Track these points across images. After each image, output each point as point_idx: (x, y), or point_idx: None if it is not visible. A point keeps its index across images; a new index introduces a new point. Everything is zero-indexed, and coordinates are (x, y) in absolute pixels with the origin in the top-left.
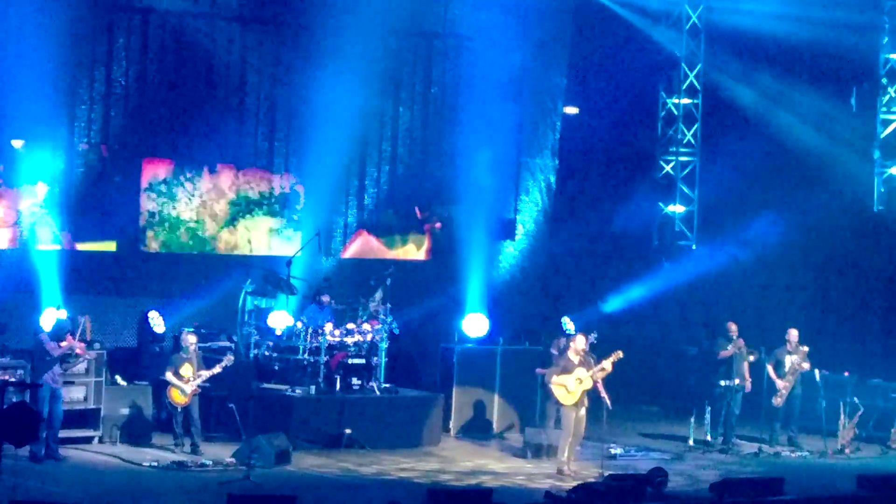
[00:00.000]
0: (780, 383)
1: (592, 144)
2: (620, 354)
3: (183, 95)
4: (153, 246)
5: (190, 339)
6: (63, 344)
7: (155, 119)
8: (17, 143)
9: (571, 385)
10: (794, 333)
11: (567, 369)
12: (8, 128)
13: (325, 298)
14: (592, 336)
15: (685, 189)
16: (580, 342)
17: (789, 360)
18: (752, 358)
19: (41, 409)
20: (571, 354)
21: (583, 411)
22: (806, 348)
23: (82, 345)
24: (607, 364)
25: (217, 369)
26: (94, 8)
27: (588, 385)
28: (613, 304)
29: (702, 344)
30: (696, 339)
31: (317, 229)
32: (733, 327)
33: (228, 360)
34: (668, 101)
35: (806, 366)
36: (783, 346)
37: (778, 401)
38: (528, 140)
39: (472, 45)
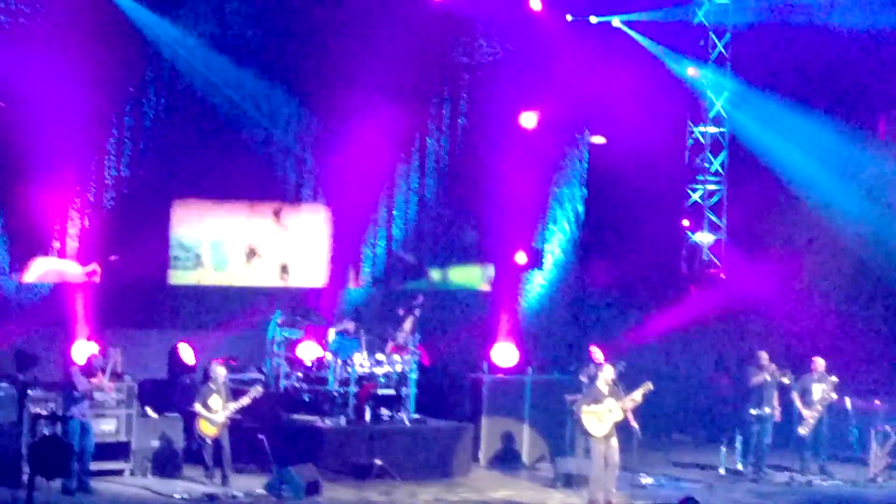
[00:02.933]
0: (806, 413)
1: (620, 174)
2: (650, 386)
3: (209, 129)
4: (183, 278)
5: (219, 371)
6: (93, 381)
7: (183, 152)
8: None
9: (602, 416)
10: (820, 362)
11: (597, 400)
12: (38, 161)
13: (350, 327)
14: (621, 365)
15: (713, 217)
16: (609, 372)
17: (818, 390)
18: (785, 380)
19: (72, 441)
20: (601, 385)
21: (614, 440)
22: (835, 378)
23: (111, 385)
24: (637, 395)
25: (246, 400)
26: (124, 43)
27: (618, 416)
28: (642, 333)
29: (731, 372)
30: (725, 368)
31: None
32: (764, 355)
33: (257, 391)
34: (694, 129)
35: (834, 396)
36: (809, 375)
37: (804, 431)
38: (556, 170)
39: (498, 75)
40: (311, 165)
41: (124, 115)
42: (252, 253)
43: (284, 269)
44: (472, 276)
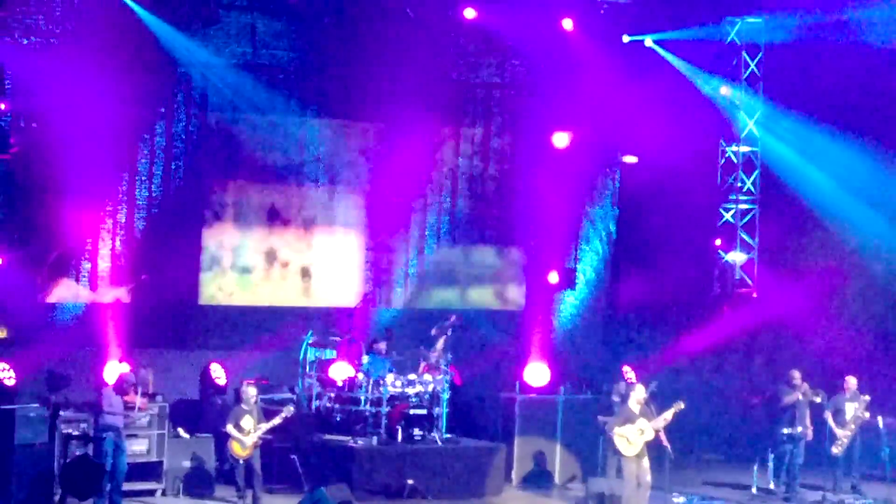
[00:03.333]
0: (839, 432)
1: (652, 193)
2: (682, 405)
3: (239, 150)
4: (214, 298)
5: (250, 392)
6: (127, 399)
7: (214, 173)
8: None
9: (633, 436)
10: (852, 381)
11: (629, 419)
12: (69, 181)
13: (381, 346)
14: (653, 385)
15: (745, 237)
16: (640, 392)
17: (850, 408)
18: (817, 399)
19: (105, 462)
20: (632, 404)
21: (645, 461)
22: (867, 397)
23: (145, 400)
24: (668, 415)
25: (277, 421)
26: (155, 63)
27: (650, 436)
28: (674, 352)
29: (764, 392)
30: (758, 387)
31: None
32: (797, 374)
33: (288, 411)
34: (727, 149)
35: (867, 415)
36: (842, 394)
37: (837, 450)
38: (588, 189)
39: (530, 95)
40: (342, 187)
41: (155, 136)
42: (272, 257)
43: (306, 272)
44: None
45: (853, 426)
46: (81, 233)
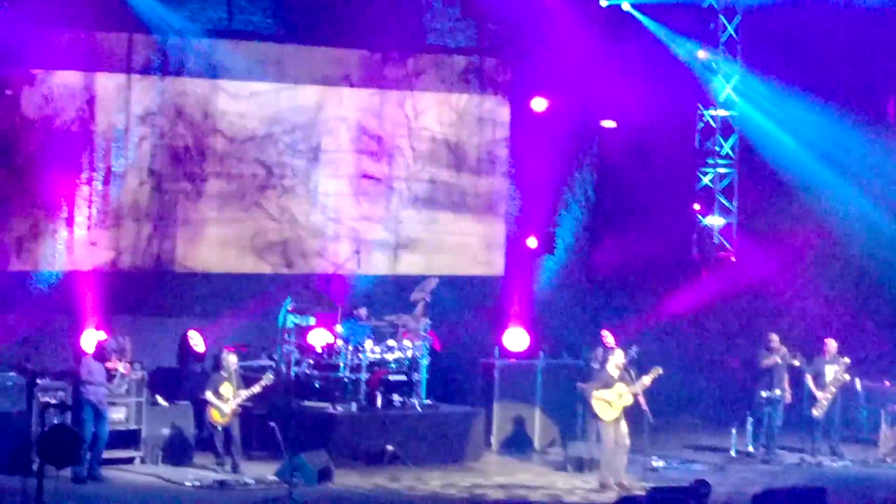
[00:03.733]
0: (819, 395)
1: (630, 158)
2: (660, 371)
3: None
4: (192, 265)
5: (230, 359)
6: (108, 365)
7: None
8: None
9: (612, 400)
10: (832, 344)
11: (608, 384)
12: (45, 148)
13: (362, 312)
14: (633, 350)
15: (724, 201)
16: (619, 357)
17: (830, 371)
18: (796, 362)
19: (85, 430)
20: (611, 369)
21: (623, 424)
22: (847, 359)
23: (128, 365)
24: (647, 380)
25: (256, 388)
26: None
27: (628, 401)
28: (653, 316)
29: (742, 355)
30: (736, 351)
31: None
32: (775, 338)
33: (268, 378)
34: (705, 113)
35: (847, 377)
36: (822, 357)
37: (818, 412)
38: (567, 155)
39: (508, 59)
40: (323, 154)
41: (130, 103)
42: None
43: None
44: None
45: (833, 389)
46: (57, 201)
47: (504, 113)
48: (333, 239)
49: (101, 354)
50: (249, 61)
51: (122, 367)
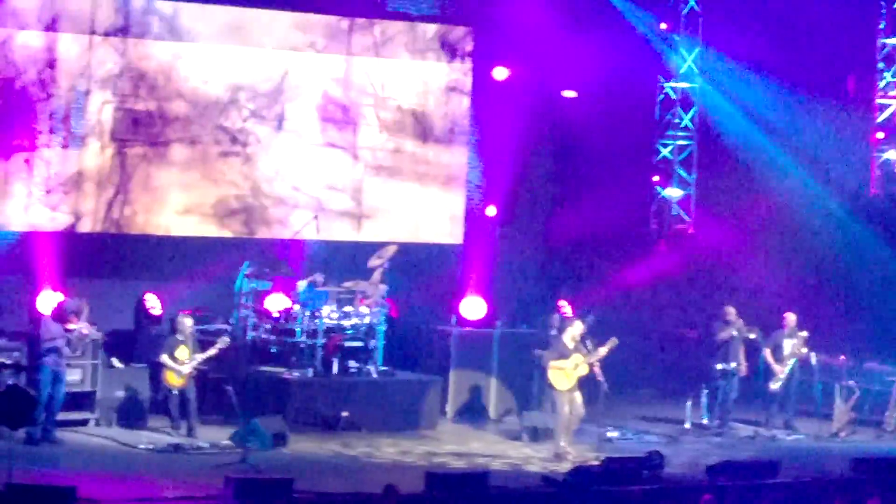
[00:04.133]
0: (777, 368)
1: (590, 128)
2: (616, 342)
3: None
4: (150, 228)
5: (186, 322)
6: (69, 326)
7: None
8: None
9: (568, 370)
10: (791, 318)
11: (563, 354)
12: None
13: (319, 278)
14: (590, 319)
15: (682, 173)
16: (577, 328)
17: (788, 345)
18: (752, 335)
19: (42, 391)
20: (567, 339)
21: (578, 394)
22: (805, 333)
23: (89, 327)
24: (603, 351)
25: (212, 352)
26: None
27: (584, 371)
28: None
29: (699, 327)
30: (693, 323)
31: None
32: (731, 310)
33: (224, 342)
34: (665, 85)
35: (805, 351)
36: (781, 331)
37: (775, 385)
38: (527, 124)
39: (469, 29)
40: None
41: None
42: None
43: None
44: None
45: (791, 362)
46: (17, 161)
47: (467, 82)
48: (294, 206)
49: (60, 315)
50: (214, 26)
51: (83, 326)
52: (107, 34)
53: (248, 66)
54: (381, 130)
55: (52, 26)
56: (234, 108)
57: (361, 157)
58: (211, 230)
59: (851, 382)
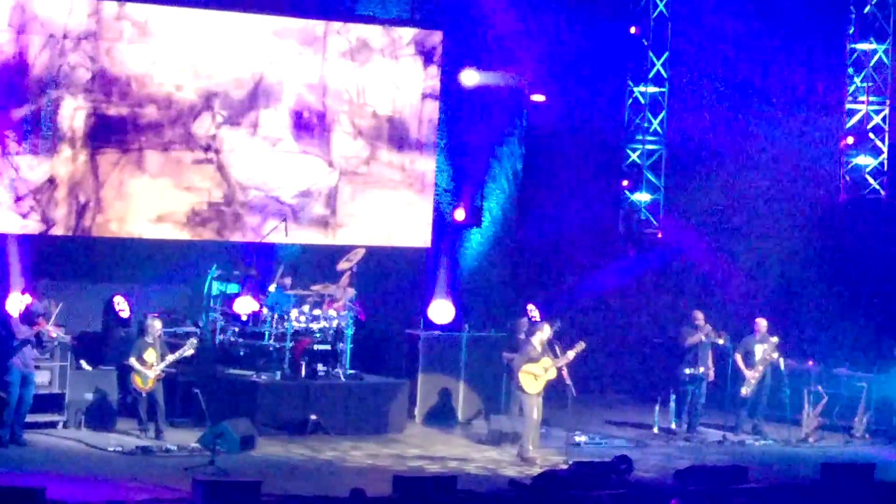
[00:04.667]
0: (749, 373)
1: (559, 132)
2: (583, 346)
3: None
4: (118, 230)
5: (154, 325)
6: (35, 327)
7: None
8: None
9: (539, 374)
10: (762, 323)
11: (533, 358)
12: None
13: (287, 281)
14: (556, 325)
15: (651, 177)
16: (546, 331)
17: (759, 350)
18: (720, 340)
19: (11, 393)
20: (536, 343)
21: (541, 398)
22: (775, 339)
23: (55, 328)
24: (570, 354)
25: (180, 354)
26: None
27: (552, 375)
28: (580, 291)
29: (667, 332)
30: (661, 327)
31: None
32: (699, 315)
33: (192, 344)
34: (634, 89)
35: (775, 356)
36: (752, 336)
37: (746, 390)
38: (496, 128)
39: (439, 32)
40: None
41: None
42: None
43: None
44: None
45: (762, 367)
46: None
47: (437, 86)
48: (267, 212)
49: (27, 317)
50: (186, 31)
51: (50, 328)
52: (79, 39)
53: (221, 72)
54: (356, 137)
55: (22, 30)
56: (208, 114)
57: (335, 163)
58: (183, 235)
59: (820, 388)
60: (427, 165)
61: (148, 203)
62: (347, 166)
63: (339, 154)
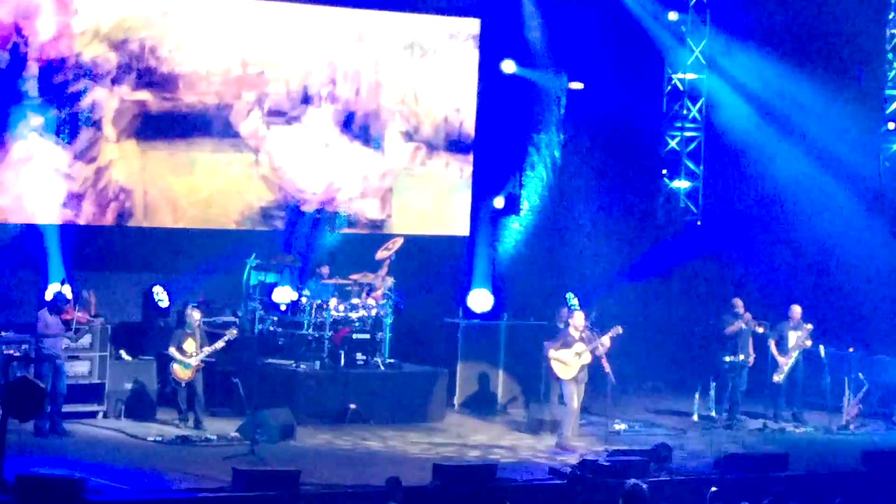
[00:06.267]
0: (781, 360)
1: (597, 120)
2: (619, 330)
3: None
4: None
5: (194, 315)
6: (65, 316)
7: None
8: None
9: (569, 359)
10: (796, 310)
11: (567, 344)
12: None
13: (325, 270)
14: (593, 314)
15: (690, 165)
16: (579, 319)
17: (793, 337)
18: (760, 329)
19: (46, 383)
20: (572, 330)
21: (583, 385)
22: (810, 326)
23: (84, 314)
24: (605, 339)
25: (220, 344)
26: None
27: (587, 359)
28: (619, 279)
29: (707, 320)
30: (701, 315)
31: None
32: (739, 303)
33: (231, 334)
34: (673, 76)
35: (809, 343)
36: (786, 322)
37: (778, 377)
38: (534, 116)
39: (478, 21)
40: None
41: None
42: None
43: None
44: None
45: (794, 354)
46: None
47: (475, 74)
48: (304, 201)
49: (55, 306)
50: (237, 23)
51: (78, 314)
52: (127, 31)
53: (268, 64)
54: (405, 135)
55: (68, 21)
56: (254, 106)
57: (384, 160)
58: (217, 221)
59: (861, 375)
60: (466, 155)
61: (185, 190)
62: (396, 162)
63: (389, 151)
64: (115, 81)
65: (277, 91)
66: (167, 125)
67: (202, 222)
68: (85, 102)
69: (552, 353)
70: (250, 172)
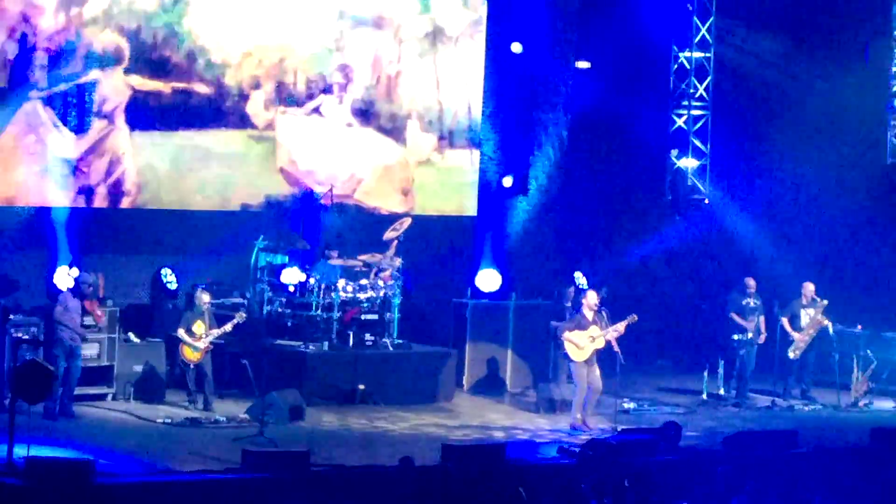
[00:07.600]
0: (796, 336)
1: (604, 99)
2: (635, 318)
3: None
4: (165, 202)
5: (202, 297)
6: (87, 303)
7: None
8: None
9: (583, 342)
10: (809, 287)
11: (581, 326)
12: None
13: (334, 254)
14: (603, 291)
15: (697, 143)
16: (592, 298)
17: (806, 314)
18: (826, 323)
19: (57, 366)
20: (585, 311)
21: (596, 367)
22: (825, 301)
23: (102, 313)
24: (620, 326)
25: (228, 326)
26: None
27: (600, 344)
28: (626, 258)
29: (715, 298)
30: (708, 293)
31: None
32: (751, 282)
33: (240, 316)
34: (679, 54)
35: (823, 319)
36: (798, 299)
37: (794, 353)
38: (540, 95)
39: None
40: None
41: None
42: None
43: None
44: None
45: (810, 331)
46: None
47: (481, 54)
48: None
49: (78, 291)
50: (251, 9)
51: (98, 311)
52: (135, 14)
53: (282, 52)
54: (424, 126)
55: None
56: (268, 92)
57: (392, 140)
58: (225, 204)
59: (869, 352)
60: (464, 129)
61: (193, 173)
62: (404, 144)
63: (394, 131)
64: (126, 70)
65: (293, 80)
66: (179, 114)
67: (207, 201)
68: (95, 91)
69: (566, 334)
70: (265, 164)
